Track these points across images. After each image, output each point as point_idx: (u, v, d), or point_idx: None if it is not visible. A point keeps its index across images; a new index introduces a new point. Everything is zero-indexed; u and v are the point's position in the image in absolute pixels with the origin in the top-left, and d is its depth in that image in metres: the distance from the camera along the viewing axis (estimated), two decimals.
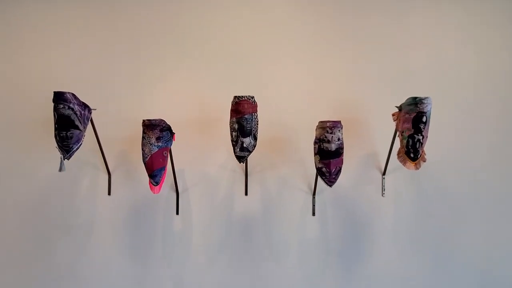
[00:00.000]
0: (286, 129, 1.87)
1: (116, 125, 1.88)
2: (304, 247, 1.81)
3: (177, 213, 1.85)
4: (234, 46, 1.94)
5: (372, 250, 1.81)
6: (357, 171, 1.84)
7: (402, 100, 1.59)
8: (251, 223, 1.84)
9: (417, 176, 1.84)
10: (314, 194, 1.83)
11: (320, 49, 1.92)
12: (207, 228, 1.84)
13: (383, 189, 1.84)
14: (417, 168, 1.45)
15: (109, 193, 1.86)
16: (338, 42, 1.91)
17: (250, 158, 1.80)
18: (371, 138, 1.88)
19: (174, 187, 1.84)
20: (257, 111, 1.52)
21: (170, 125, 1.54)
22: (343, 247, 1.81)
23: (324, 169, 1.43)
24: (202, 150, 1.87)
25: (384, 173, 1.83)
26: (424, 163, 1.47)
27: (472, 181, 1.82)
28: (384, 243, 1.80)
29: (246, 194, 1.85)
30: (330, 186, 1.45)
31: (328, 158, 1.42)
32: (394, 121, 1.61)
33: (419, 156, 1.44)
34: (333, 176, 1.43)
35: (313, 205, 1.84)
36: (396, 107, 1.57)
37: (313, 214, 1.84)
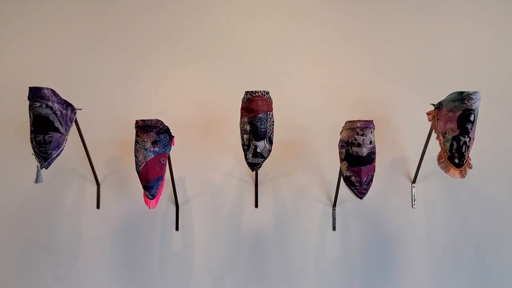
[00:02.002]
0: (302, 131, 1.65)
1: (106, 127, 1.65)
2: (324, 266, 1.58)
3: (177, 229, 1.61)
4: (242, 37, 1.71)
5: (402, 270, 1.57)
6: (384, 179, 1.60)
7: (432, 97, 1.39)
8: (262, 239, 1.60)
9: (451, 185, 1.61)
10: (334, 205, 1.60)
11: (341, 41, 1.70)
12: (212, 246, 1.59)
13: (413, 200, 1.62)
14: (462, 176, 1.23)
15: (97, 207, 1.62)
16: (362, 34, 1.69)
17: None
18: (398, 141, 1.65)
19: (173, 199, 1.60)
20: (272, 109, 1.30)
21: (169, 127, 1.32)
22: (368, 266, 1.57)
23: (353, 178, 1.21)
24: (205, 155, 1.64)
25: (414, 181, 1.60)
26: (470, 170, 1.26)
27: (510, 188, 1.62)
28: (415, 261, 1.57)
29: (256, 206, 1.62)
30: (361, 198, 1.22)
31: (358, 164, 1.19)
32: (429, 121, 1.40)
33: (464, 161, 1.22)
34: (364, 187, 1.20)
35: (334, 218, 1.61)
36: (432, 104, 1.36)
37: (334, 228, 1.60)
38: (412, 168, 1.60)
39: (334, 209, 1.61)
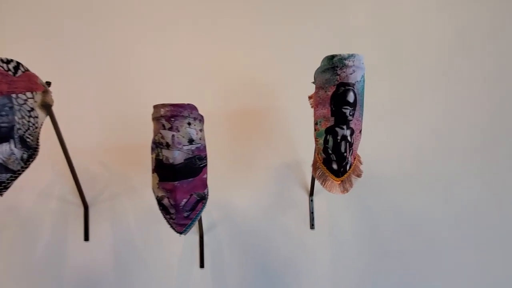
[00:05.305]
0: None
1: None
2: None
3: None
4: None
5: None
6: (271, 192, 1.16)
7: None
8: (96, 286, 1.13)
9: (362, 196, 1.20)
10: (201, 233, 1.14)
11: (217, 8, 1.23)
12: None
13: (311, 218, 1.19)
14: (344, 190, 0.81)
15: None
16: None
17: (90, 180, 1.10)
18: (291, 138, 1.22)
19: None
20: (31, 89, 0.78)
21: None
22: None
23: (166, 201, 0.74)
24: None
25: (311, 193, 1.17)
26: (359, 179, 0.84)
27: (444, 198, 1.17)
28: None
29: (86, 238, 1.13)
30: (180, 233, 0.77)
31: (169, 178, 0.72)
32: (312, 107, 0.98)
33: (348, 167, 0.80)
34: (184, 214, 0.73)
35: (201, 251, 1.14)
36: (313, 83, 0.94)
37: (201, 265, 1.14)
38: (309, 175, 1.19)
39: (202, 239, 1.14)
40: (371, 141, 1.16)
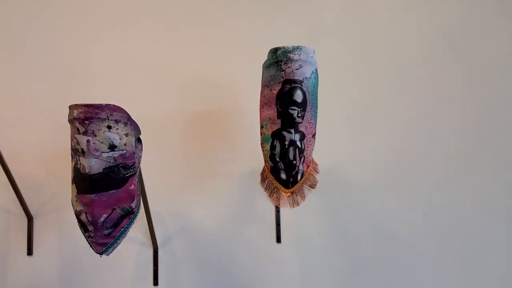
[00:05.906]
0: None
1: None
2: None
3: None
4: None
5: None
6: (233, 202, 1.07)
7: None
8: None
9: (334, 207, 1.09)
10: (155, 247, 1.03)
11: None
12: None
13: (278, 231, 1.08)
14: (294, 203, 0.72)
15: None
16: None
17: (35, 189, 1.01)
18: (255, 143, 1.13)
19: None
20: None
21: None
22: None
23: (83, 217, 0.64)
24: None
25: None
26: (312, 190, 0.74)
27: (423, 208, 1.07)
28: None
29: (29, 253, 1.03)
30: (100, 254, 0.67)
31: (85, 191, 0.63)
32: None
33: (298, 177, 0.70)
34: (104, 232, 0.64)
35: (155, 267, 1.04)
36: None
37: (155, 283, 1.04)
38: None
39: (157, 254, 1.04)
40: (344, 146, 1.07)
